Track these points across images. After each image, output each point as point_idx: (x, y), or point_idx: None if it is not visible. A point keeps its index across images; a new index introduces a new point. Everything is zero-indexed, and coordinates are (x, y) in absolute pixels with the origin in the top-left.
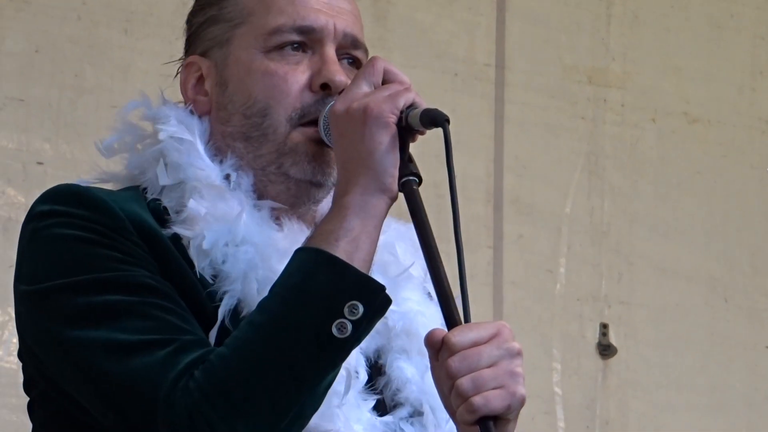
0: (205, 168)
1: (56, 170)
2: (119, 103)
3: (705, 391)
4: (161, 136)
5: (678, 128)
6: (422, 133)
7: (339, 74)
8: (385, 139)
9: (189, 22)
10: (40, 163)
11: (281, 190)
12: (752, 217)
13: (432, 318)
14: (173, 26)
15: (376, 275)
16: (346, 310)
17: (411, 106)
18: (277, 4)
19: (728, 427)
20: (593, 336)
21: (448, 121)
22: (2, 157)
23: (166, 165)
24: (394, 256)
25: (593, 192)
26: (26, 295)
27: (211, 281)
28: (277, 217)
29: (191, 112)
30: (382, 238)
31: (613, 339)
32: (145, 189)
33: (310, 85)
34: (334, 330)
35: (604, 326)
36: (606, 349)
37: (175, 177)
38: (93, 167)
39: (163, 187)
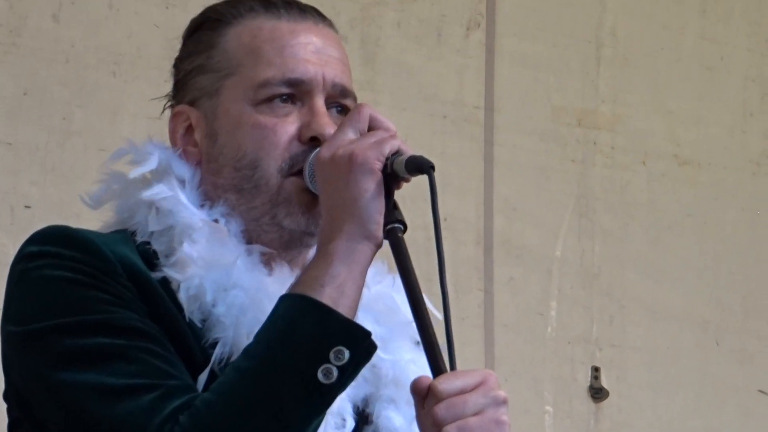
0: (195, 213)
1: (44, 213)
2: (107, 146)
3: None
4: (151, 187)
5: (668, 170)
6: (407, 180)
7: (328, 127)
8: (370, 186)
9: (176, 66)
10: (27, 207)
11: (274, 237)
12: (744, 260)
13: (423, 367)
14: (161, 68)
15: (369, 323)
16: (331, 356)
17: (396, 153)
18: (266, 55)
19: None
20: (585, 379)
21: (433, 168)
22: None
23: (157, 210)
24: (389, 306)
25: (584, 234)
26: (14, 335)
27: (200, 325)
28: (267, 262)
29: (179, 155)
30: (378, 288)
31: (604, 382)
32: (134, 232)
33: (299, 137)
34: (320, 375)
35: (596, 369)
36: (598, 393)
37: (164, 222)
38: (81, 212)
39: (152, 231)
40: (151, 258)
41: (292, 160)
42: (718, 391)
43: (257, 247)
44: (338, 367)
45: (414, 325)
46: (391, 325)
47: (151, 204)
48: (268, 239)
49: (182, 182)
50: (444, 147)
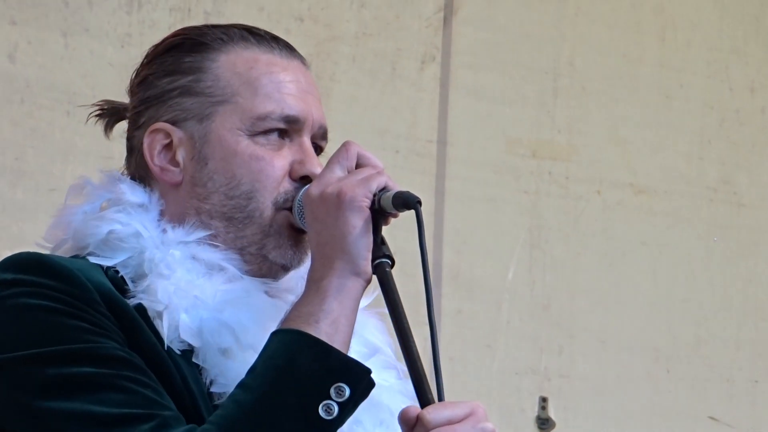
0: (155, 240)
1: None
2: (59, 186)
3: None
4: (109, 212)
5: (623, 199)
6: (395, 216)
7: (318, 167)
8: (358, 222)
9: (145, 81)
10: None
11: (252, 268)
12: (697, 288)
13: (406, 393)
14: None
15: (357, 348)
16: (332, 392)
17: (384, 189)
18: (264, 88)
19: None
20: (532, 409)
21: (419, 203)
22: None
23: (118, 240)
24: (360, 341)
25: (534, 265)
26: None
27: (178, 352)
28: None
29: (137, 181)
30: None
31: (552, 412)
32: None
33: (290, 173)
34: (321, 411)
35: (544, 400)
36: (544, 423)
37: (126, 251)
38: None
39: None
40: (120, 284)
41: (285, 195)
42: (669, 419)
43: (231, 266)
44: (339, 404)
45: (388, 355)
46: (366, 357)
47: (109, 233)
48: (246, 269)
49: (141, 206)
50: (396, 181)
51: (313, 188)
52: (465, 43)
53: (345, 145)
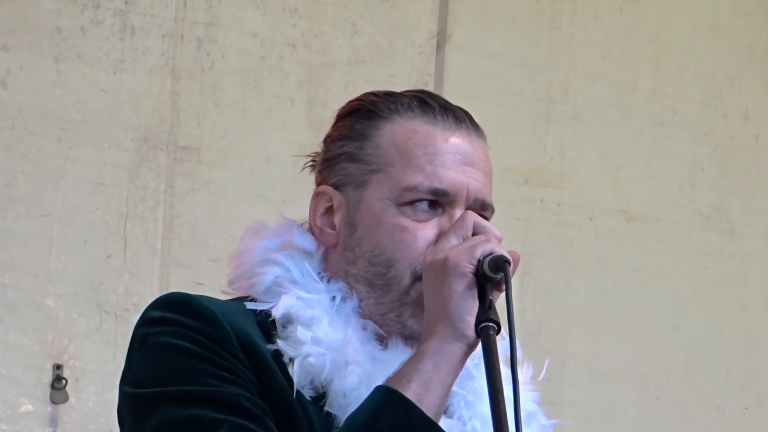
0: (315, 287)
1: None
2: (49, 212)
3: None
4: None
5: (615, 226)
6: (497, 279)
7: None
8: (460, 287)
9: (326, 142)
10: None
11: (395, 331)
12: (688, 314)
13: None
14: (107, 134)
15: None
16: None
17: (489, 254)
18: (417, 160)
19: None
20: None
21: (508, 262)
22: None
23: (278, 283)
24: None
25: (525, 292)
26: (128, 396)
27: (310, 399)
28: (381, 338)
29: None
30: None
31: None
32: (254, 300)
33: (435, 244)
34: None
35: None
36: None
37: (284, 294)
38: (20, 279)
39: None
40: (268, 329)
41: None
42: None
43: (372, 325)
44: None
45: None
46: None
47: (274, 281)
48: (390, 332)
49: (308, 254)
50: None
51: (428, 256)
52: (457, 70)
53: (463, 216)
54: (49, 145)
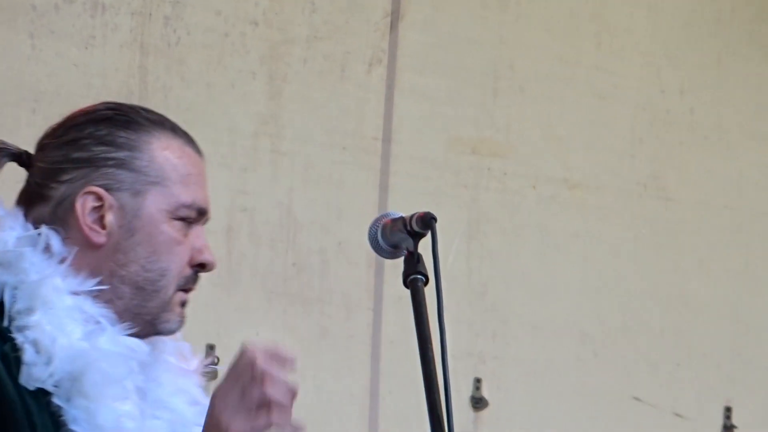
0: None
1: None
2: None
3: None
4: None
5: (558, 194)
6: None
7: (209, 254)
8: None
9: (78, 144)
10: None
11: (135, 330)
12: (625, 277)
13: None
14: (78, 106)
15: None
16: None
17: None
18: (190, 179)
19: None
20: (467, 390)
21: (434, 219)
22: None
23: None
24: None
25: (472, 256)
26: None
27: (32, 391)
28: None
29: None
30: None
31: (485, 392)
32: None
33: (190, 259)
34: None
35: (478, 381)
36: (478, 402)
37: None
38: None
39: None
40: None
41: (185, 279)
42: (595, 399)
43: (107, 327)
44: None
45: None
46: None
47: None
48: (125, 328)
49: (49, 253)
50: (342, 176)
51: (215, 400)
52: (410, 47)
53: (246, 357)
54: (24, 115)
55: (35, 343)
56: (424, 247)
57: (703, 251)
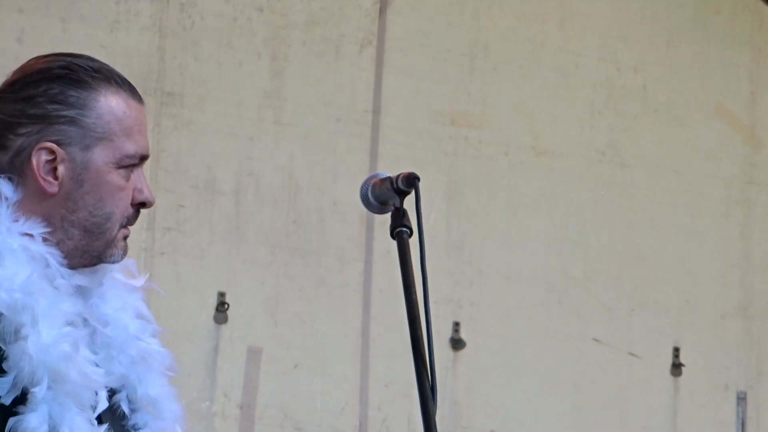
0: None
1: None
2: None
3: (539, 376)
4: None
5: (527, 160)
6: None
7: (151, 194)
8: None
9: (33, 101)
10: None
11: (84, 262)
12: (586, 232)
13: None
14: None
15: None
16: None
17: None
18: (133, 131)
19: (558, 404)
20: (447, 332)
21: (418, 179)
22: None
23: None
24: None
25: (451, 214)
26: None
27: None
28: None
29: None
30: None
31: (463, 334)
32: None
33: (132, 198)
34: None
35: (456, 324)
36: (457, 343)
37: None
38: None
39: None
40: None
41: (128, 218)
42: (559, 340)
43: (54, 265)
44: None
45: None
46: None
47: None
48: (76, 263)
49: (3, 199)
50: (337, 144)
51: None
52: (396, 30)
53: None
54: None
55: None
56: (409, 204)
57: (654, 210)
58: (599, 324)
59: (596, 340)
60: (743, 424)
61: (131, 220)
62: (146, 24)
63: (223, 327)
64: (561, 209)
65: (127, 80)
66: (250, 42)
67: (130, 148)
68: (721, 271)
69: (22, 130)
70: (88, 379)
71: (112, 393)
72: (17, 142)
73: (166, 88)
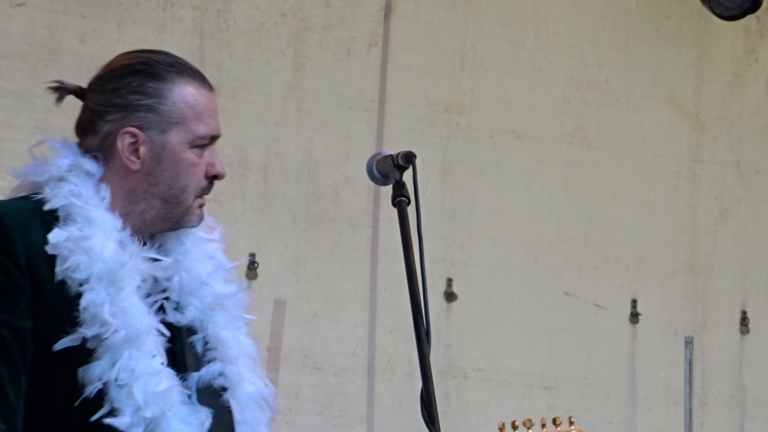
0: (92, 204)
1: None
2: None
3: (519, 324)
4: (62, 170)
5: (508, 142)
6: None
7: (220, 166)
8: None
9: (117, 92)
10: None
11: (163, 227)
12: (558, 202)
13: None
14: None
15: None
16: None
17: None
18: (203, 116)
19: (535, 349)
20: (441, 287)
21: (415, 156)
22: None
23: (68, 191)
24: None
25: (445, 188)
26: None
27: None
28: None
29: (93, 156)
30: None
31: (455, 288)
32: (41, 200)
33: (205, 172)
34: None
35: (449, 280)
36: (450, 296)
37: (66, 200)
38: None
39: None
40: (51, 222)
41: (202, 189)
42: (535, 294)
43: (127, 240)
44: None
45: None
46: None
47: (62, 186)
48: (158, 228)
49: (89, 175)
50: (349, 128)
51: None
52: (399, 33)
53: None
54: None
55: (72, 250)
56: (408, 178)
57: (616, 184)
58: (569, 280)
59: (567, 293)
60: (690, 364)
61: (206, 190)
62: (188, 28)
63: (254, 282)
64: (537, 183)
65: (198, 71)
66: (275, 42)
67: (202, 129)
68: (672, 235)
69: (109, 117)
70: (152, 327)
71: (189, 335)
72: (105, 127)
73: None
